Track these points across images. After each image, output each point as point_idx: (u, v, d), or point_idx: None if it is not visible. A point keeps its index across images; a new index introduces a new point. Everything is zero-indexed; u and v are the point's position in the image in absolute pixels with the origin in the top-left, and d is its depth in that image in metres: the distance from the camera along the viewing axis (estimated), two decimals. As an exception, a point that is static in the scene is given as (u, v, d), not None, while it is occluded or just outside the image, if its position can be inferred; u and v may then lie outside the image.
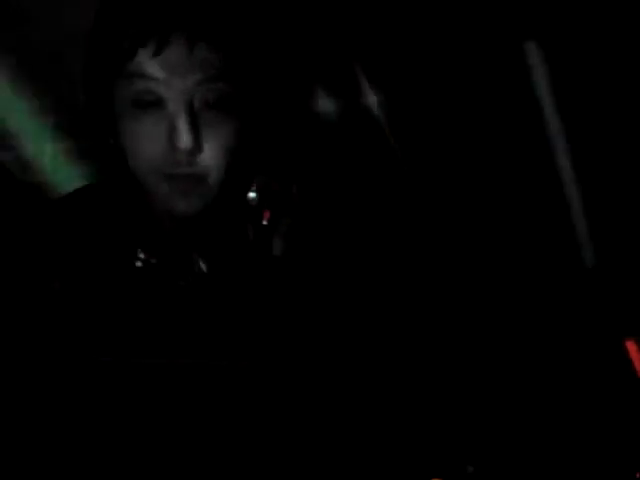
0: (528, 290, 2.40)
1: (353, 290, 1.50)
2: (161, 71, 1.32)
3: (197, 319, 1.40)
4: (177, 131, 1.32)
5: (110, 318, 1.37)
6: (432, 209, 2.45)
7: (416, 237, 2.30)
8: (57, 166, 2.11)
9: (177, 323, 1.39)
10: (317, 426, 1.40)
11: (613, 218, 2.54)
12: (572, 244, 2.50)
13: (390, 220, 2.16)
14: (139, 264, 1.41)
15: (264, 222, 1.41)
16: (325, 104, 2.34)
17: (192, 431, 1.36)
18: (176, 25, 1.31)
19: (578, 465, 2.12)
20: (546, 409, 2.22)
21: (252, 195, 1.42)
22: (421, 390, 2.03)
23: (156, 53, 1.31)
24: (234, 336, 1.40)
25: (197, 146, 1.33)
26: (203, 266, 1.41)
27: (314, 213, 1.49)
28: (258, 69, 1.40)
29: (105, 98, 1.38)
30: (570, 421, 2.20)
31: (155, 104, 1.33)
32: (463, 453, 2.04)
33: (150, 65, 1.32)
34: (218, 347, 1.39)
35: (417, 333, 2.11)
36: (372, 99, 2.38)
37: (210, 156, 1.35)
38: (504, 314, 2.37)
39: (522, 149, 2.49)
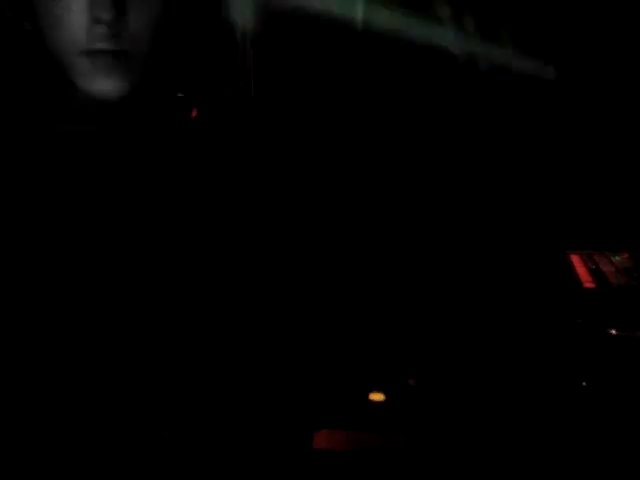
0: (481, 214, 2.51)
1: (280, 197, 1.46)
2: None
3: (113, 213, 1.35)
4: (99, 1, 1.25)
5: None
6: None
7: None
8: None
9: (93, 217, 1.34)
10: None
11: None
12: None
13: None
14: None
15: (192, 119, 1.36)
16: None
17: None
18: None
19: (521, 374, 2.30)
20: (491, 322, 2.38)
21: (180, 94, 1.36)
22: (361, 307, 2.45)
23: None
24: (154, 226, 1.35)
25: (120, 19, 1.26)
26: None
27: (249, 114, 1.46)
28: None
29: None
30: (514, 331, 2.34)
31: None
32: (404, 367, 2.43)
33: None
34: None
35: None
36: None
37: (134, 32, 1.28)
38: (450, 236, 2.53)
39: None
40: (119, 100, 1.33)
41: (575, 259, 2.36)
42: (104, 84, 1.30)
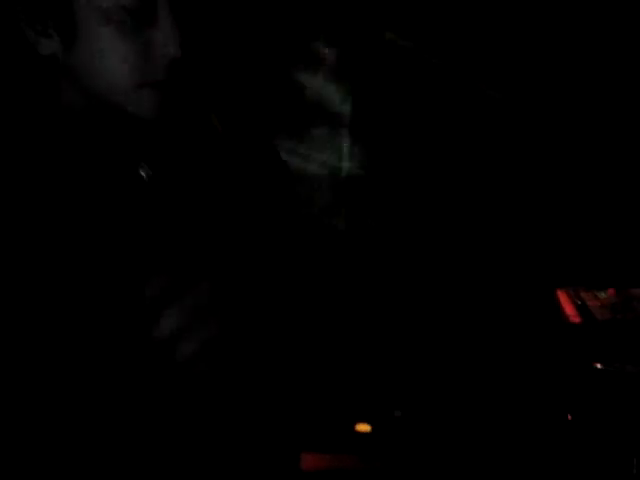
0: (468, 246, 2.55)
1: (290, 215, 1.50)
2: None
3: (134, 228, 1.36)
4: (162, 36, 1.29)
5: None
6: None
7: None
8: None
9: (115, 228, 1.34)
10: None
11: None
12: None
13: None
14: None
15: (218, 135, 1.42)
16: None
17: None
18: None
19: (507, 408, 2.32)
20: (479, 353, 2.41)
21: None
22: (347, 333, 2.48)
23: None
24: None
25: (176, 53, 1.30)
26: (145, 174, 1.36)
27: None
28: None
29: (64, 10, 1.31)
30: (501, 366, 2.37)
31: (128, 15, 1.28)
32: (390, 398, 2.45)
33: None
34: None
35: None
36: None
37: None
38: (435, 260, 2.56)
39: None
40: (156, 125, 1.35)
41: (562, 295, 2.39)
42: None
